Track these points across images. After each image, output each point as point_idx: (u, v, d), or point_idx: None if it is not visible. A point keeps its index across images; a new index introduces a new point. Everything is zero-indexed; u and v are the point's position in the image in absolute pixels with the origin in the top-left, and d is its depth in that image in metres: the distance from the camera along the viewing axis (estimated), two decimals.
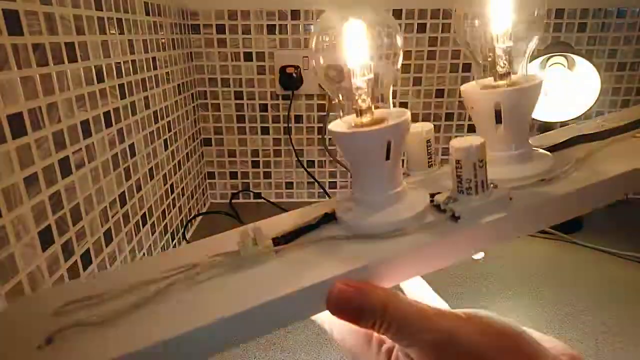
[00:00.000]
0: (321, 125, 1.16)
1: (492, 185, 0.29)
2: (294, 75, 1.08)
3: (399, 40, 0.29)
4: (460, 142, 0.28)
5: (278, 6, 1.05)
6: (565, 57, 0.97)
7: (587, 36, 1.09)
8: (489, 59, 0.32)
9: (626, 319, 0.72)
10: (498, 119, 0.31)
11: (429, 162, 0.35)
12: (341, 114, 0.31)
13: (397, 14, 1.06)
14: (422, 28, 1.07)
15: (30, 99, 0.45)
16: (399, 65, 0.30)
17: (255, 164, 1.21)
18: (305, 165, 1.20)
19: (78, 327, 0.24)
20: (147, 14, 0.79)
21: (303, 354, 0.66)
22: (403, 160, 0.31)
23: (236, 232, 0.29)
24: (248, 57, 1.10)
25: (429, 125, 0.35)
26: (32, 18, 0.46)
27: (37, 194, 0.47)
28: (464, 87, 0.33)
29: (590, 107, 0.94)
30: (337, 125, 0.30)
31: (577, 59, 0.93)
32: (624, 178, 0.31)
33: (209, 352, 0.24)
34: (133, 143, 0.71)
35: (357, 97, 0.29)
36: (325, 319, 0.28)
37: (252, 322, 0.24)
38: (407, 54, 1.10)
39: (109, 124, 0.63)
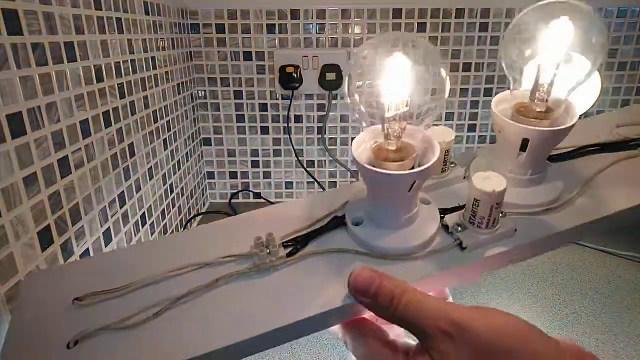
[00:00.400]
0: (321, 125, 1.16)
1: (502, 213, 0.30)
2: (294, 75, 1.08)
3: (444, 74, 0.28)
4: (483, 184, 0.28)
5: (278, 6, 1.05)
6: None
7: None
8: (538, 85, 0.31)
9: (627, 319, 0.72)
10: (523, 148, 0.31)
11: (443, 169, 0.36)
12: (364, 124, 0.31)
13: (397, 13, 1.06)
14: (422, 27, 1.07)
15: (30, 98, 0.45)
16: (447, 94, 0.29)
17: (255, 164, 1.21)
18: (305, 165, 1.20)
19: (104, 331, 0.26)
20: (147, 13, 0.79)
21: (303, 354, 0.66)
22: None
23: (239, 226, 0.31)
24: (248, 56, 1.09)
25: (450, 135, 0.34)
26: (31, 18, 0.46)
27: (36, 194, 0.46)
28: (496, 104, 0.32)
29: (591, 107, 0.94)
30: (360, 145, 0.30)
31: (578, 57, 0.93)
32: (629, 212, 0.31)
33: None
34: (132, 143, 0.71)
35: (388, 128, 0.29)
36: (338, 329, 0.29)
37: (268, 340, 0.26)
38: None
39: (108, 124, 0.63)
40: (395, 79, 0.28)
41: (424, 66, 0.28)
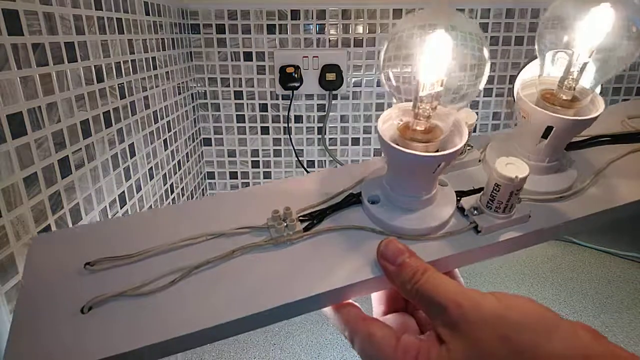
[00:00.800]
0: (321, 125, 1.16)
1: (519, 199, 0.30)
2: (294, 75, 1.08)
3: (485, 56, 0.27)
4: (506, 170, 0.27)
5: (278, 6, 1.05)
6: (566, 53, 0.97)
7: None
8: (570, 69, 0.31)
9: (626, 318, 0.72)
10: (545, 135, 0.31)
11: (462, 149, 0.34)
12: (394, 100, 0.30)
13: (397, 13, 1.06)
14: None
15: (30, 98, 0.45)
16: (483, 81, 0.28)
17: (255, 164, 1.21)
18: (305, 165, 1.20)
19: (119, 297, 0.25)
20: (147, 13, 0.79)
21: (303, 354, 0.66)
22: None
23: (255, 197, 0.31)
24: (248, 56, 1.09)
25: (473, 118, 0.32)
26: (31, 18, 0.46)
27: (36, 194, 0.46)
28: (521, 87, 0.31)
29: None
30: (387, 121, 0.29)
31: None
32: (637, 204, 0.32)
33: (234, 335, 0.26)
34: (133, 143, 0.71)
35: (418, 106, 0.27)
36: (338, 322, 0.30)
37: (282, 313, 0.27)
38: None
39: (108, 124, 0.63)
40: (435, 56, 0.26)
41: (465, 47, 0.26)
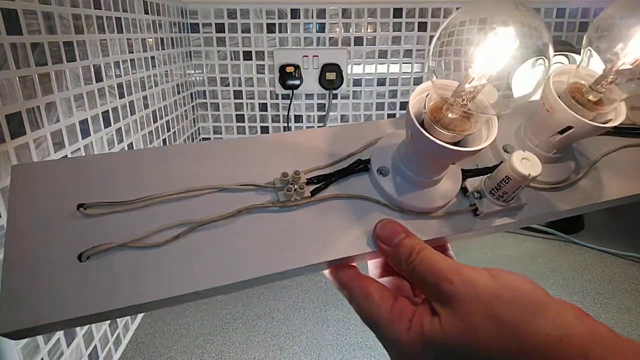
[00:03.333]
0: (321, 124, 1.16)
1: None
2: (294, 74, 1.07)
3: (550, 54, 0.26)
4: (521, 165, 0.27)
5: (278, 5, 1.04)
6: (567, 56, 0.96)
7: None
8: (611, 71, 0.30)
9: (627, 319, 0.72)
10: (562, 132, 0.31)
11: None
12: (434, 76, 0.28)
13: (397, 12, 1.05)
14: (422, 27, 1.07)
15: (29, 98, 0.45)
16: (530, 96, 0.27)
17: None
18: None
19: (119, 248, 0.24)
20: (146, 12, 0.78)
21: (303, 355, 0.65)
22: None
23: (259, 148, 0.30)
24: (247, 56, 1.09)
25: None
26: (30, 17, 0.45)
27: None
28: (554, 75, 0.31)
29: None
30: (418, 94, 0.27)
31: (579, 58, 0.93)
32: (626, 199, 0.33)
33: (232, 291, 0.26)
34: (132, 142, 0.71)
35: (459, 100, 0.26)
36: (335, 282, 0.31)
37: (276, 277, 0.27)
38: (407, 53, 1.09)
39: (107, 124, 0.62)
40: (493, 51, 0.25)
41: (530, 52, 0.25)
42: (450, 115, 0.27)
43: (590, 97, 0.30)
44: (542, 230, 0.99)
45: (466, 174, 0.31)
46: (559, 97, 0.30)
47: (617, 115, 0.30)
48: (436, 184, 0.30)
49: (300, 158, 0.31)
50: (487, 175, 0.31)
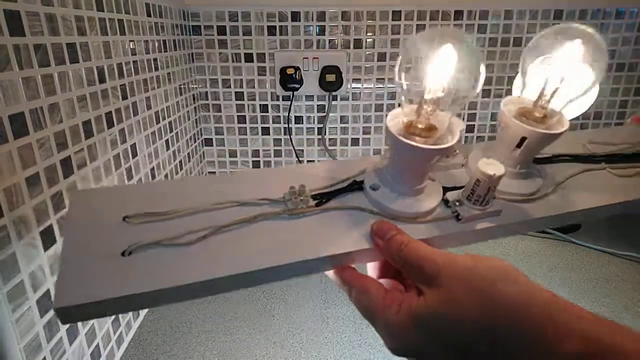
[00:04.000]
0: (321, 125, 1.17)
1: (493, 196, 0.36)
2: (294, 76, 1.08)
3: (481, 70, 0.33)
4: (486, 167, 0.33)
5: (278, 7, 1.05)
6: None
7: None
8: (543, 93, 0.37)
9: (626, 319, 0.72)
10: (519, 145, 0.37)
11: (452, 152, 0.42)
12: (402, 99, 0.35)
13: (396, 15, 1.06)
14: (421, 29, 1.07)
15: (32, 99, 0.46)
16: (479, 89, 0.34)
17: (256, 164, 1.21)
18: None
19: (155, 245, 0.30)
20: (149, 15, 0.79)
21: (304, 352, 0.66)
22: None
23: (275, 174, 0.38)
24: (249, 58, 1.10)
25: (461, 125, 0.37)
26: (33, 19, 0.46)
27: (38, 194, 0.47)
28: (504, 104, 0.39)
29: (589, 108, 0.94)
30: (395, 117, 0.34)
31: None
32: (586, 212, 0.39)
33: (250, 285, 0.31)
34: (135, 143, 0.72)
35: (424, 107, 0.33)
36: (338, 280, 0.35)
37: (288, 271, 0.32)
38: None
39: (110, 124, 0.63)
40: (441, 67, 0.32)
41: (467, 61, 0.32)
42: (419, 125, 0.33)
43: (537, 114, 0.37)
44: (540, 230, 0.99)
45: (447, 190, 0.37)
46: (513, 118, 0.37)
47: (562, 125, 0.37)
48: (420, 193, 0.36)
49: (307, 182, 0.37)
50: (463, 188, 0.36)
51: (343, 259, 0.33)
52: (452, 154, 0.41)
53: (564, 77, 0.35)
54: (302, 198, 0.35)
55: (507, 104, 0.39)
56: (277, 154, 1.20)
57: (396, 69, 0.34)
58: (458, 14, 1.06)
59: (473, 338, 0.26)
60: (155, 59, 0.82)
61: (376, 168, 0.38)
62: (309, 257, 0.32)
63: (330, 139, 1.19)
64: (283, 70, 1.08)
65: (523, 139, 0.37)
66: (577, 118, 1.00)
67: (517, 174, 0.39)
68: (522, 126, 0.36)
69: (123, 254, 0.29)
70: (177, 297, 0.29)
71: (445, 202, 0.37)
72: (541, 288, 0.27)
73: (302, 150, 1.20)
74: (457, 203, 0.36)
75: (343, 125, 1.17)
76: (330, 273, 0.35)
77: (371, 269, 0.37)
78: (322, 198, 0.36)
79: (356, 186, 0.37)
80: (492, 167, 0.33)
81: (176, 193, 0.35)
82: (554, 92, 0.36)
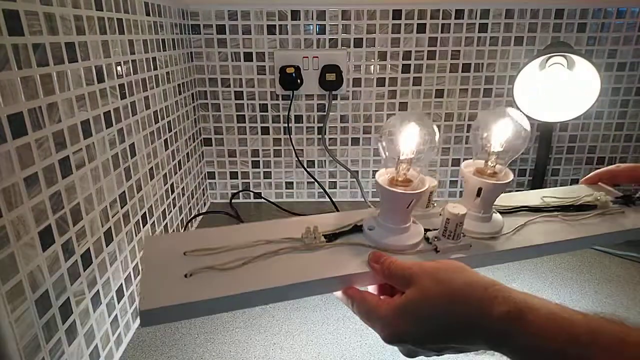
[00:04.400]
0: (321, 125, 1.16)
1: (462, 234, 0.47)
2: (294, 75, 1.08)
3: (437, 139, 0.46)
4: (452, 209, 0.45)
5: (278, 6, 1.05)
6: (565, 57, 0.97)
7: (587, 36, 1.09)
8: (489, 155, 0.50)
9: (625, 318, 0.72)
10: (478, 194, 0.49)
11: (427, 204, 0.54)
12: (384, 155, 0.47)
13: (397, 14, 1.06)
14: (421, 28, 1.07)
15: (31, 99, 0.46)
16: (433, 155, 0.48)
17: (255, 164, 1.21)
18: (305, 165, 1.20)
19: (209, 269, 0.41)
20: (148, 14, 0.79)
21: (303, 353, 0.66)
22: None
23: (295, 223, 0.49)
24: (248, 57, 1.10)
25: (434, 182, 0.51)
26: (32, 18, 0.46)
27: (37, 194, 0.47)
28: (464, 166, 0.52)
29: (590, 107, 0.94)
30: (381, 175, 0.47)
31: (577, 59, 0.94)
32: (541, 247, 0.50)
33: (280, 300, 0.42)
34: (133, 143, 0.71)
35: (400, 165, 0.46)
36: (344, 298, 0.44)
37: (309, 288, 0.42)
38: (407, 54, 1.10)
39: (109, 124, 0.63)
40: (409, 137, 0.45)
41: (425, 132, 0.46)
42: (399, 179, 0.46)
43: (488, 171, 0.50)
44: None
45: (427, 230, 0.48)
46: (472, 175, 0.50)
47: (507, 177, 0.49)
48: (406, 232, 0.47)
49: (319, 226, 0.48)
50: (439, 229, 0.47)
51: (347, 280, 0.43)
52: (431, 205, 0.54)
53: (502, 144, 0.49)
54: (315, 236, 0.46)
55: (466, 166, 0.52)
56: (277, 153, 1.20)
57: (380, 138, 0.47)
58: (459, 13, 1.06)
59: (440, 313, 0.37)
60: (154, 58, 0.81)
61: (372, 215, 0.49)
62: (320, 277, 0.42)
63: (330, 139, 1.18)
64: (283, 70, 1.08)
65: (480, 189, 0.49)
66: (578, 118, 1.00)
67: (482, 218, 0.51)
68: (477, 179, 0.49)
69: (185, 275, 0.40)
70: (224, 307, 0.40)
71: (426, 239, 0.47)
72: (482, 275, 0.38)
73: (302, 150, 1.19)
74: (436, 239, 0.47)
75: (343, 124, 1.17)
76: (338, 293, 0.44)
77: (371, 289, 0.47)
78: (331, 237, 0.47)
79: (357, 228, 0.49)
80: (457, 208, 0.45)
81: (221, 235, 0.47)
82: (497, 154, 0.50)
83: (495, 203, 0.54)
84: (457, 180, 1.24)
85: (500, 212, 0.55)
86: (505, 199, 0.59)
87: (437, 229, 0.48)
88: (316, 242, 0.46)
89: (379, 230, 0.47)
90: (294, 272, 0.42)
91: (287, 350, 0.66)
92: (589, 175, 0.66)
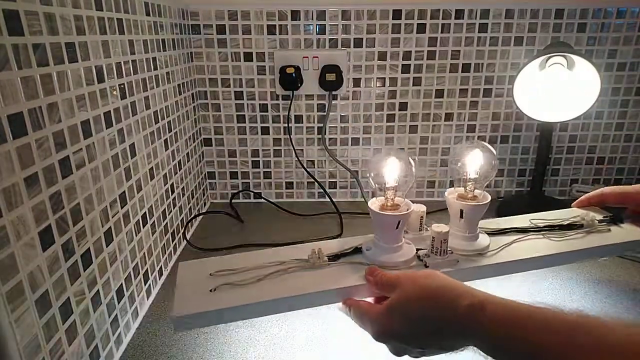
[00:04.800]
0: (321, 125, 1.16)
1: (450, 251, 0.54)
2: (294, 75, 1.08)
3: (413, 170, 0.55)
4: (436, 228, 0.53)
5: (278, 6, 1.05)
6: (565, 57, 0.97)
7: (587, 36, 1.09)
8: (467, 182, 0.59)
9: (626, 319, 0.72)
10: (461, 216, 0.57)
11: (419, 227, 0.61)
12: (379, 193, 0.56)
13: (397, 14, 1.06)
14: (421, 28, 1.07)
15: (31, 99, 0.46)
16: (413, 181, 0.57)
17: (255, 164, 1.21)
18: (305, 165, 1.20)
19: (230, 285, 0.50)
20: (148, 14, 0.79)
21: (303, 353, 0.66)
22: (406, 229, 0.59)
23: (302, 248, 0.57)
24: (248, 57, 1.10)
25: (423, 208, 0.60)
26: (32, 18, 0.46)
27: (37, 194, 0.47)
28: (447, 193, 0.59)
29: (590, 107, 0.94)
30: (373, 203, 0.55)
31: (577, 59, 0.94)
32: (525, 261, 0.57)
33: (288, 309, 0.50)
34: (133, 143, 0.71)
35: (387, 193, 0.55)
36: (343, 308, 0.52)
37: (314, 299, 0.50)
38: (407, 54, 1.10)
39: (109, 124, 0.63)
40: (391, 169, 0.54)
41: (403, 164, 0.55)
42: (388, 204, 0.55)
43: (468, 195, 0.58)
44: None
45: (419, 249, 0.55)
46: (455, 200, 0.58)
47: (485, 199, 0.57)
48: (399, 250, 0.54)
49: (323, 249, 0.56)
50: (429, 246, 0.55)
51: (346, 292, 0.51)
52: (424, 229, 0.61)
53: (476, 171, 0.58)
54: (319, 256, 0.54)
55: (449, 193, 0.59)
56: (277, 153, 1.20)
57: (368, 169, 0.57)
58: (459, 13, 1.06)
59: (419, 311, 0.43)
60: (154, 58, 0.81)
61: (369, 239, 0.57)
62: (322, 289, 0.50)
63: (330, 139, 1.18)
64: (283, 70, 1.08)
65: (462, 211, 0.57)
66: (578, 118, 1.00)
67: (468, 237, 0.57)
68: (458, 202, 0.57)
69: (210, 290, 0.49)
70: (241, 315, 0.49)
71: (418, 257, 0.54)
72: (452, 279, 0.45)
73: (302, 150, 1.19)
74: (425, 256, 0.54)
75: (343, 124, 1.17)
76: (338, 305, 0.51)
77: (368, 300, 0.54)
78: (334, 257, 0.55)
79: (357, 250, 0.57)
80: (440, 227, 0.53)
81: (240, 259, 0.55)
82: (473, 180, 0.58)
83: (485, 226, 0.62)
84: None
85: (489, 233, 0.61)
86: (496, 223, 0.65)
87: (426, 249, 0.56)
88: (320, 261, 0.54)
89: (375, 250, 0.55)
90: (300, 285, 0.51)
91: (287, 350, 0.67)
92: (579, 199, 0.71)
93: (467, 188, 0.59)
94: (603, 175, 1.25)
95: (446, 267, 0.53)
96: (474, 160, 0.58)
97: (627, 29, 1.08)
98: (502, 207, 1.16)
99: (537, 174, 1.12)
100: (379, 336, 0.46)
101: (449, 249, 0.55)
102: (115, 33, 0.66)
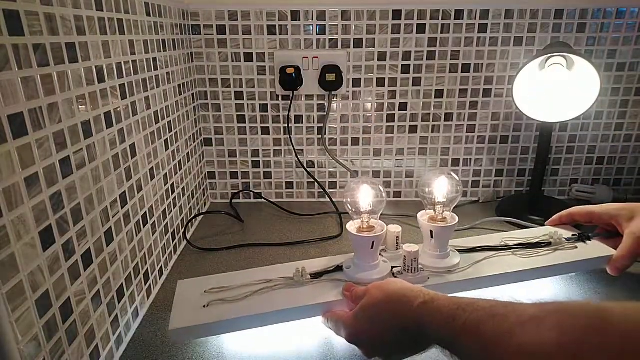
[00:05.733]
0: (321, 125, 1.16)
1: (422, 269, 0.60)
2: (294, 75, 1.08)
3: (384, 195, 0.64)
4: (407, 248, 0.59)
5: (278, 7, 1.05)
6: (565, 57, 0.97)
7: (587, 36, 1.09)
8: (435, 205, 0.67)
9: None
10: (432, 236, 0.63)
11: (396, 247, 0.67)
12: (355, 217, 0.65)
13: (396, 14, 1.06)
14: (421, 29, 1.07)
15: (31, 99, 0.46)
16: (384, 206, 0.65)
17: (256, 164, 1.21)
18: (305, 165, 1.20)
19: (221, 301, 0.57)
20: (148, 14, 0.79)
21: (303, 352, 0.66)
22: (382, 248, 0.69)
23: (289, 266, 0.64)
24: (248, 57, 1.10)
25: (399, 228, 0.67)
26: (32, 18, 0.46)
27: (37, 194, 0.47)
28: (419, 215, 0.67)
29: (590, 107, 0.94)
30: (351, 226, 0.62)
31: (577, 59, 0.94)
32: (491, 278, 0.62)
33: (273, 323, 0.57)
34: (134, 143, 0.72)
35: (363, 216, 0.63)
36: (323, 320, 0.60)
37: (296, 313, 0.57)
38: (406, 55, 1.10)
39: (109, 124, 0.63)
40: (365, 196, 0.62)
41: (377, 190, 0.63)
42: (363, 226, 0.62)
43: (438, 217, 0.64)
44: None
45: (393, 267, 0.62)
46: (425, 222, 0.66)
47: (454, 220, 0.64)
48: (376, 268, 0.61)
49: (307, 267, 0.63)
50: (402, 263, 0.62)
51: (326, 306, 0.57)
52: (400, 248, 0.64)
53: (444, 196, 0.64)
54: (302, 274, 0.60)
55: (421, 215, 0.66)
56: (277, 153, 1.20)
57: (345, 195, 0.64)
58: (459, 13, 1.06)
59: (383, 312, 0.51)
60: (154, 59, 0.82)
61: (349, 258, 0.63)
62: (303, 304, 0.56)
63: (330, 139, 1.19)
64: (283, 70, 1.08)
65: (432, 232, 0.63)
66: (578, 118, 1.00)
67: (439, 256, 0.63)
68: (428, 224, 0.63)
69: (204, 306, 0.55)
70: (230, 328, 0.55)
71: (393, 274, 0.60)
72: (411, 284, 0.53)
73: (302, 150, 1.19)
74: (399, 273, 0.60)
75: (343, 125, 1.17)
76: (320, 318, 0.59)
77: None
78: (317, 275, 0.61)
79: (339, 268, 0.63)
80: (410, 247, 0.59)
81: (232, 278, 0.62)
82: (441, 203, 0.64)
83: (458, 244, 0.67)
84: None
85: (460, 251, 0.66)
86: (471, 241, 0.70)
87: (399, 266, 0.62)
88: (303, 279, 0.60)
89: (354, 268, 0.61)
90: (284, 301, 0.57)
91: (287, 350, 0.67)
92: (551, 218, 0.77)
93: (437, 211, 0.65)
94: (602, 175, 1.25)
95: (417, 283, 0.57)
96: (441, 186, 0.66)
97: (626, 29, 1.08)
98: (502, 207, 1.16)
99: (537, 174, 1.12)
100: (351, 338, 0.55)
101: (420, 266, 0.60)
102: (116, 33, 0.66)
